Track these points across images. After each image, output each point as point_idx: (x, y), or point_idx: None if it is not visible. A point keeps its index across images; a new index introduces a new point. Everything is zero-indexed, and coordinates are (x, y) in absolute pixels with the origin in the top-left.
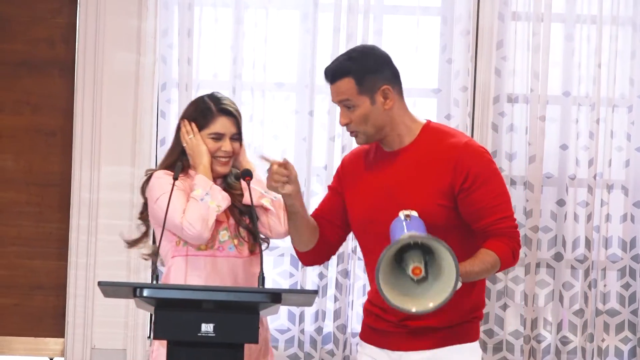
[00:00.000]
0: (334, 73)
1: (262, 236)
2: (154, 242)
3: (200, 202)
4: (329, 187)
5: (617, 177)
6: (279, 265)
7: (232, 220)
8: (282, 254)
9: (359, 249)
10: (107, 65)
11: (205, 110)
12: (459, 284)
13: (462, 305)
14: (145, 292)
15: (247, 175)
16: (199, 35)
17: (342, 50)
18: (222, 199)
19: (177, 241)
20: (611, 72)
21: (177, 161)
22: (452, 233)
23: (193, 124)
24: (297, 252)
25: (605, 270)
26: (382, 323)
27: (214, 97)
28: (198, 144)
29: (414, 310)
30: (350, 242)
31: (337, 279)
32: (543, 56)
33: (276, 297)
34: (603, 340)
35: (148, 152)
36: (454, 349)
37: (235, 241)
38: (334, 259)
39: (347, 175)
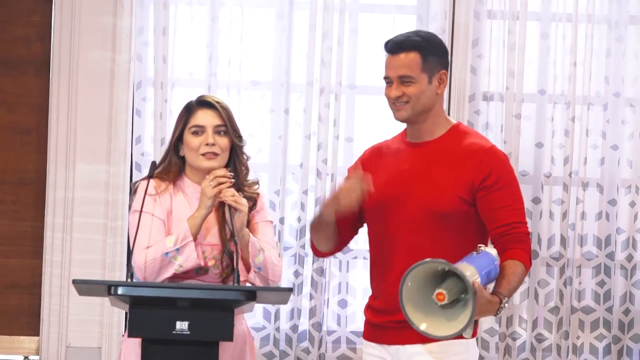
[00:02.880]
0: (401, 44)
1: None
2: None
3: (164, 256)
4: None
5: (592, 175)
6: None
7: (217, 239)
8: None
9: None
10: (82, 64)
11: (187, 107)
12: (469, 330)
13: None
14: (120, 290)
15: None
16: (174, 33)
17: (318, 48)
18: (189, 260)
19: None
20: (586, 71)
21: (168, 163)
22: (467, 228)
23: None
24: (315, 250)
25: (580, 267)
26: (380, 317)
27: (199, 96)
28: (206, 191)
29: (422, 328)
30: None
31: (312, 277)
32: (519, 54)
33: (251, 294)
34: (578, 337)
35: (123, 150)
36: (446, 344)
37: (212, 262)
38: (309, 257)
39: (365, 168)
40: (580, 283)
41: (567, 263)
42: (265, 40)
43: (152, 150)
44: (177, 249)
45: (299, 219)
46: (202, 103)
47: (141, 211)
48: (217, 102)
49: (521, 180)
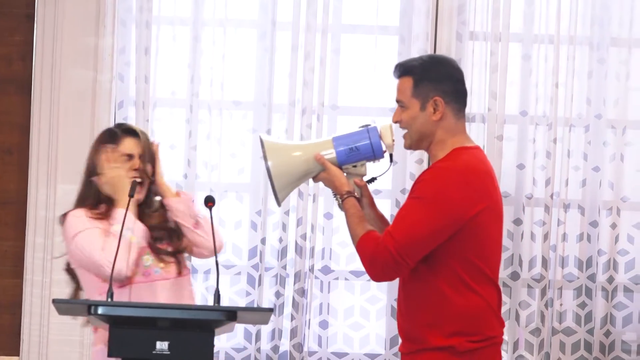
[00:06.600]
0: (398, 69)
1: (187, 255)
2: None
3: (117, 238)
4: None
5: (573, 196)
6: (235, 284)
7: (142, 241)
8: (239, 273)
9: (316, 267)
10: (64, 83)
11: (110, 136)
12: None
13: (414, 329)
14: (100, 310)
15: (210, 201)
16: (156, 53)
17: (300, 69)
18: (141, 234)
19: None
20: (568, 92)
21: (92, 196)
22: (439, 258)
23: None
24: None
25: (561, 289)
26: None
27: (117, 124)
28: (122, 176)
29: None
30: (307, 261)
31: (293, 298)
32: (500, 76)
33: (232, 315)
34: (559, 359)
35: None
36: None
37: (162, 264)
38: (290, 277)
39: None
40: (561, 305)
41: (549, 285)
42: (247, 60)
43: None
44: (128, 228)
45: (281, 240)
46: (128, 132)
47: (79, 232)
48: (141, 132)
49: (503, 201)
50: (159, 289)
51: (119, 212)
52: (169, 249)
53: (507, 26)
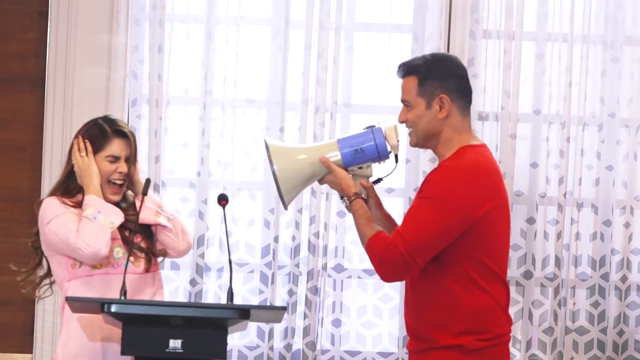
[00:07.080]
0: (403, 68)
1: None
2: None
3: (93, 221)
4: None
5: (587, 195)
6: (248, 282)
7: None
8: (252, 271)
9: (329, 266)
10: (77, 81)
11: (100, 133)
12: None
13: (423, 328)
14: (113, 308)
15: (223, 199)
16: (169, 51)
17: (314, 67)
18: (114, 216)
19: (72, 264)
20: (582, 91)
21: (70, 184)
22: (448, 258)
23: (87, 143)
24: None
25: (574, 288)
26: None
27: (108, 119)
28: (89, 164)
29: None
30: (320, 259)
31: (306, 296)
32: (514, 74)
33: (245, 313)
34: (572, 358)
35: None
36: None
37: (132, 258)
38: (303, 275)
39: None
40: (574, 304)
41: (562, 284)
42: (260, 58)
43: (147, 167)
44: (99, 212)
45: (294, 238)
46: (119, 133)
47: (56, 215)
48: (131, 132)
49: (516, 200)
50: (126, 281)
51: (87, 198)
52: (142, 244)
53: (520, 24)
